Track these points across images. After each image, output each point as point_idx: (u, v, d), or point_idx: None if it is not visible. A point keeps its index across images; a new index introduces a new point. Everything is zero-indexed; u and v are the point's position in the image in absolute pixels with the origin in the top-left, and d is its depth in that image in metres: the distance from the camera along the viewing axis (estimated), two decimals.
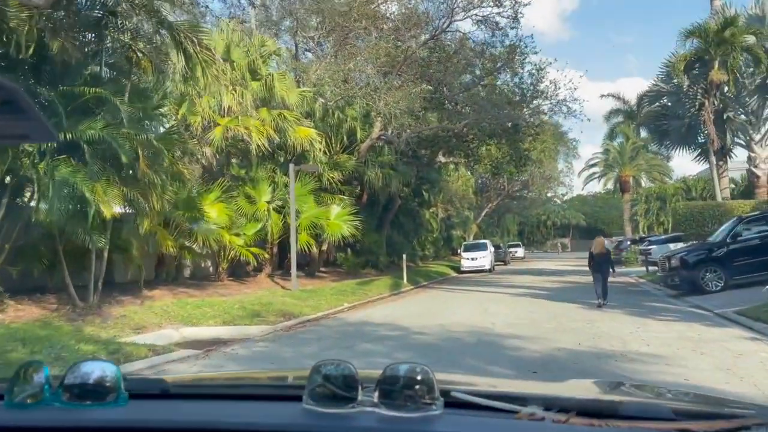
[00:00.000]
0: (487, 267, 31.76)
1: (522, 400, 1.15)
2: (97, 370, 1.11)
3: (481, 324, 10.96)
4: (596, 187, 48.62)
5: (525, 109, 21.43)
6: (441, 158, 27.19)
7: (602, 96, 46.88)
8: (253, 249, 16.84)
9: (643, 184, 43.74)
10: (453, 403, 1.07)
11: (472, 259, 32.06)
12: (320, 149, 17.23)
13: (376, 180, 20.65)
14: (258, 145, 15.90)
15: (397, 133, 19.70)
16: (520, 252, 56.88)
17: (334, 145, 20.55)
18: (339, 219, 18.66)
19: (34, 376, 1.09)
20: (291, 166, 15.97)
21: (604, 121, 47.47)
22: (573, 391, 1.68)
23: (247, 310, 12.21)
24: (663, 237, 26.59)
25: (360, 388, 1.02)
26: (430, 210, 32.27)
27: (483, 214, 49.73)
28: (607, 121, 46.50)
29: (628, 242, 35.23)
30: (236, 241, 16.85)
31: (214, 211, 15.26)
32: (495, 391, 1.48)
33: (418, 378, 1.01)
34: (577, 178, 49.80)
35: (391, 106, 18.09)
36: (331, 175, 18.39)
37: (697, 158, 21.42)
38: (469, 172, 40.21)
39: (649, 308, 12.96)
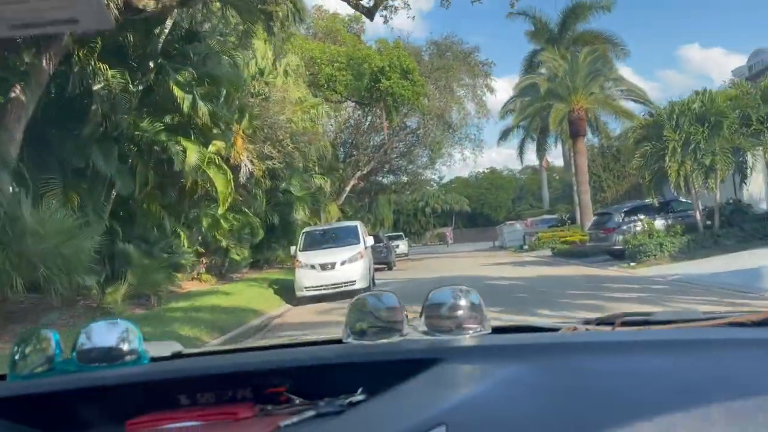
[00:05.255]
0: (359, 283, 13.06)
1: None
2: (114, 329, 1.00)
3: None
4: (515, 141, 31.93)
5: None
6: None
7: (510, 14, 30.08)
8: None
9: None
10: (498, 328, 1.06)
11: (323, 267, 13.14)
12: None
13: None
14: None
15: None
16: (402, 247, 39.54)
17: None
18: None
19: (41, 344, 0.99)
20: None
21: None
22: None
23: None
24: None
25: (405, 316, 0.98)
26: (211, 151, 12.57)
27: (348, 188, 31.10)
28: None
29: (622, 214, 18.50)
30: None
31: None
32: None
33: (464, 301, 0.99)
34: (498, 121, 32.83)
35: None
36: None
37: None
38: (320, 98, 20.89)
39: None
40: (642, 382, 0.83)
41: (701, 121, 15.52)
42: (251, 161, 14.27)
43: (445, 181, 75.28)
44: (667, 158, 15.31)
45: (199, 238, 16.07)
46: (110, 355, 0.96)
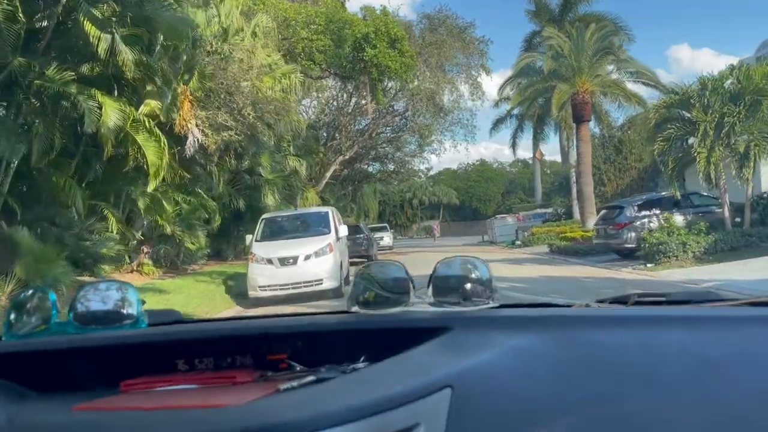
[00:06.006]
0: (328, 282, 10.66)
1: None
2: (113, 291, 0.97)
3: None
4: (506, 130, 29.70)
5: None
6: None
7: None
8: None
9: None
10: (507, 304, 1.03)
11: (282, 261, 10.71)
12: None
13: None
14: None
15: None
16: (387, 239, 37.23)
17: None
18: None
19: (38, 305, 0.95)
20: None
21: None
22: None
23: None
24: None
25: (412, 287, 0.95)
26: (143, 112, 10.02)
27: (329, 174, 28.59)
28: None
29: (635, 208, 16.19)
30: None
31: None
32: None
33: (474, 273, 0.95)
34: (493, 107, 30.18)
35: None
36: None
37: None
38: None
39: None
40: (658, 356, 0.80)
41: (735, 100, 13.27)
42: (202, 131, 11.76)
43: (433, 172, 73.19)
44: (695, 143, 13.03)
45: (144, 223, 13.58)
46: (108, 318, 0.95)
